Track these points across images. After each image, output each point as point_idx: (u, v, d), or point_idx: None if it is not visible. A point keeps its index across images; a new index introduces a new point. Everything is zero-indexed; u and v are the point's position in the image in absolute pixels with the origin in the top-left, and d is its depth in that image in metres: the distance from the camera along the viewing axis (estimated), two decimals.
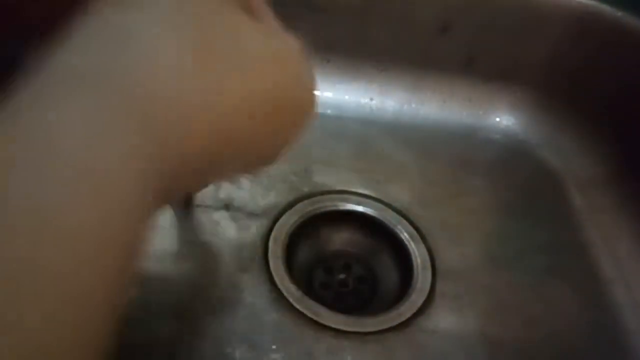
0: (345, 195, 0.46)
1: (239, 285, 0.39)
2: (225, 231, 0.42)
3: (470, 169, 0.51)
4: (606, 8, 0.48)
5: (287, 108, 0.23)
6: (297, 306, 0.39)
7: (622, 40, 0.48)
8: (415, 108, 0.54)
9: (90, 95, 0.17)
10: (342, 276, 0.44)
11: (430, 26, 0.50)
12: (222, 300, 0.38)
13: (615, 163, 0.50)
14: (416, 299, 0.41)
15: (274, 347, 0.37)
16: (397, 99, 0.54)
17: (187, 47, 0.20)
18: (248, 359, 0.36)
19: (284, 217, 0.44)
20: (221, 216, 0.43)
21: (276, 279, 0.40)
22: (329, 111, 0.52)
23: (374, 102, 0.53)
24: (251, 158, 0.24)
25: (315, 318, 0.38)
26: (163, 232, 0.40)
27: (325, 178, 0.47)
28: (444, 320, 0.40)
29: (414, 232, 0.45)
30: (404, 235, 0.44)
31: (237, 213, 0.43)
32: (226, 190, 0.44)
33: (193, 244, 0.41)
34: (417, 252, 0.43)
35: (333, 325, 0.38)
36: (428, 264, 0.43)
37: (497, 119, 0.54)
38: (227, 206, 0.43)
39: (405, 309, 0.40)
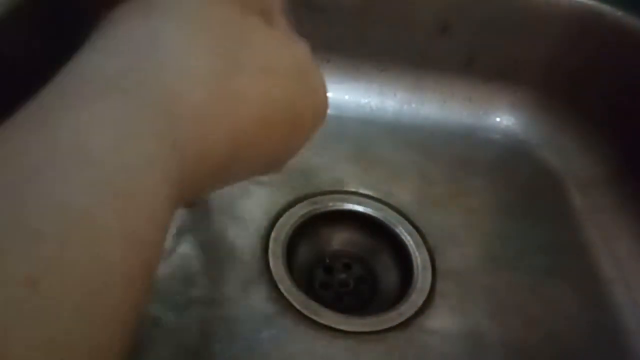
0: (345, 195, 0.46)
1: (239, 286, 0.39)
2: (225, 231, 0.42)
3: (470, 169, 0.51)
4: (606, 8, 0.48)
5: (302, 115, 0.24)
6: (297, 306, 0.39)
7: (622, 40, 0.48)
8: (415, 108, 0.54)
9: (119, 97, 0.17)
10: (342, 276, 0.44)
11: (430, 26, 0.50)
12: (222, 300, 0.38)
13: (615, 163, 0.50)
14: (416, 299, 0.41)
15: (273, 347, 0.37)
16: (397, 99, 0.54)
17: (212, 53, 0.20)
18: (247, 359, 0.36)
19: (284, 217, 0.44)
20: (221, 216, 0.43)
21: (276, 279, 0.40)
22: (329, 111, 0.52)
23: (373, 102, 0.53)
24: (263, 163, 0.24)
25: (315, 318, 0.38)
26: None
27: (325, 178, 0.47)
28: (444, 320, 0.40)
29: (414, 232, 0.45)
30: (404, 235, 0.44)
31: (237, 213, 0.43)
32: (226, 190, 0.44)
33: (193, 243, 0.41)
34: (417, 252, 0.43)
35: (333, 325, 0.38)
36: (428, 264, 0.43)
37: (497, 119, 0.54)
38: (227, 206, 0.43)
39: (405, 309, 0.40)
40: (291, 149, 0.25)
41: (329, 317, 0.39)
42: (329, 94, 0.26)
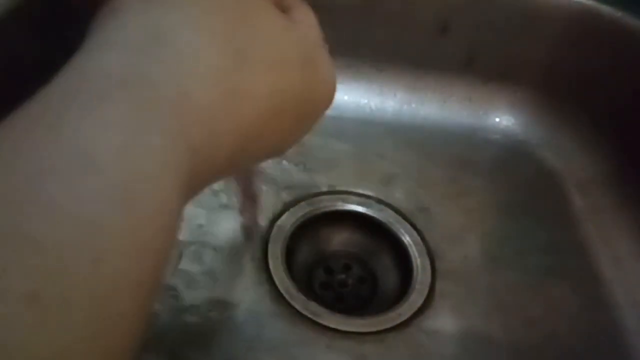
0: (345, 195, 0.46)
1: (239, 286, 0.39)
2: (225, 231, 0.42)
3: (470, 169, 0.51)
4: (606, 8, 0.48)
5: (309, 103, 0.23)
6: (297, 306, 0.39)
7: (622, 40, 0.48)
8: (415, 108, 0.54)
9: (126, 97, 0.16)
10: (342, 276, 0.44)
11: (430, 26, 0.50)
12: (222, 301, 0.38)
13: (615, 163, 0.50)
14: (416, 299, 0.41)
15: (273, 347, 0.37)
16: (397, 99, 0.54)
17: (221, 48, 0.19)
18: (247, 359, 0.36)
19: (283, 218, 0.44)
20: (221, 216, 0.43)
21: (276, 279, 0.40)
22: (328, 111, 0.52)
23: (373, 102, 0.53)
24: (269, 151, 0.24)
25: (315, 318, 0.38)
26: None
27: (324, 178, 0.47)
28: (444, 320, 0.40)
29: (414, 232, 0.45)
30: (404, 236, 0.44)
31: (237, 213, 0.43)
32: (226, 190, 0.44)
33: (193, 243, 0.41)
34: (416, 252, 0.43)
35: (333, 326, 0.38)
36: (428, 264, 0.43)
37: (497, 119, 0.54)
38: (227, 206, 0.43)
39: (405, 309, 0.40)
40: (297, 136, 0.25)
41: (328, 318, 0.39)
42: None
